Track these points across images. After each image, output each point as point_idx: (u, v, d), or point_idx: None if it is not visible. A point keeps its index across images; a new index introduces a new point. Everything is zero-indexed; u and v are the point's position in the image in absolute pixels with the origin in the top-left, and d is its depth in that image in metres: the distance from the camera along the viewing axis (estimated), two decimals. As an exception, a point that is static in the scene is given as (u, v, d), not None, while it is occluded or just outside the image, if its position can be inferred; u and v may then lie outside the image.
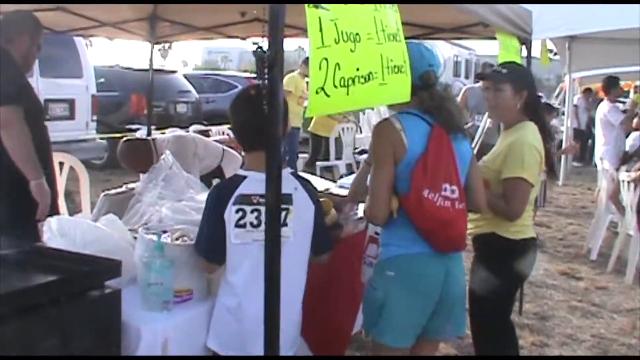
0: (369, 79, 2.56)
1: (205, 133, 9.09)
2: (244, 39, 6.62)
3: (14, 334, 2.26)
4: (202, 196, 3.69)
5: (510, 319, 3.94)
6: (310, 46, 2.20)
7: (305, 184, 3.02)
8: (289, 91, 11.00)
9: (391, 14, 2.75)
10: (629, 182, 7.11)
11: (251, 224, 2.80)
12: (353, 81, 2.44)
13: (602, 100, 11.01)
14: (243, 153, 3.09)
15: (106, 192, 4.79)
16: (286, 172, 2.92)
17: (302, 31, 5.22)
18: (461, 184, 3.02)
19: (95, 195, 5.32)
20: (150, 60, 6.94)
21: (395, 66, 2.78)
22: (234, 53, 40.75)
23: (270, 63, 2.06)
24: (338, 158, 11.69)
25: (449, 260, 3.08)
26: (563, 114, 17.26)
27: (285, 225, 2.81)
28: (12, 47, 4.07)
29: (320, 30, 2.22)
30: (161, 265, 2.77)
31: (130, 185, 4.98)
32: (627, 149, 7.88)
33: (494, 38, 5.55)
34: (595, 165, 13.64)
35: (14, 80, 3.88)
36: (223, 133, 10.00)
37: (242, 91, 3.06)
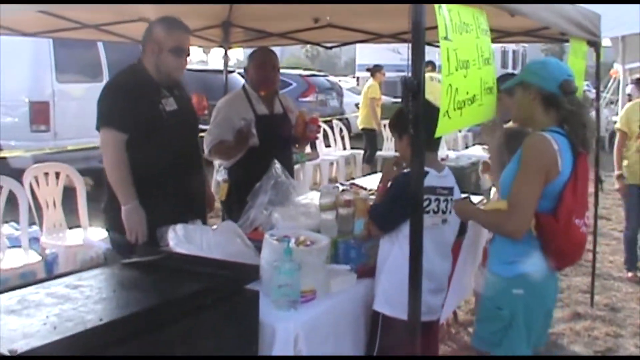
0: (473, 101, 2.83)
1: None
2: (317, 44, 6.86)
3: (180, 334, 2.54)
4: (307, 200, 4.00)
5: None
6: (442, 74, 2.45)
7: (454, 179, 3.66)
8: (373, 97, 12.46)
9: (486, 40, 2.98)
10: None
11: (433, 210, 3.40)
12: (464, 104, 2.72)
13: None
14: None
15: None
16: (448, 170, 3.65)
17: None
18: None
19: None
20: (225, 64, 7.22)
21: (488, 87, 3.03)
22: (276, 48, 40.90)
23: (414, 92, 2.31)
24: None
25: (557, 275, 3.31)
26: (612, 103, 17.21)
27: (451, 212, 3.49)
28: (145, 60, 4.03)
29: (448, 59, 2.47)
30: (290, 268, 3.03)
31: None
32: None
33: (561, 40, 5.75)
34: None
35: (118, 104, 3.89)
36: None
37: None
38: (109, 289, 2.84)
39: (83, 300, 2.65)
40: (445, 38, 2.45)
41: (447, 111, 2.51)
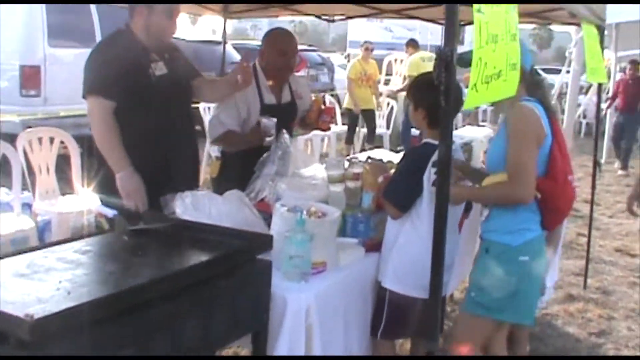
0: (499, 76, 2.78)
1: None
2: (318, 17, 6.78)
3: (193, 303, 2.49)
4: (314, 172, 3.95)
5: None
6: (474, 47, 2.41)
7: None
8: (350, 78, 12.34)
9: (514, 16, 2.92)
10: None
11: None
12: (491, 78, 2.67)
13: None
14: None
15: None
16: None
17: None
18: None
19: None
20: (224, 34, 7.14)
21: (513, 64, 2.98)
22: (263, 22, 40.64)
23: (446, 63, 2.27)
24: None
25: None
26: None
27: None
28: (133, 25, 3.89)
29: (480, 33, 2.43)
30: (302, 239, 2.98)
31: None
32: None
33: (570, 24, 5.73)
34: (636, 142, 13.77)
35: (104, 71, 3.76)
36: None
37: (424, 76, 3.58)
38: (119, 255, 2.79)
39: (94, 266, 2.61)
40: (479, 11, 2.40)
41: (475, 84, 2.46)
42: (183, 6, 6.21)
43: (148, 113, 3.83)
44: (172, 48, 4.13)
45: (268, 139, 4.09)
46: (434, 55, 10.39)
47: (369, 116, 12.49)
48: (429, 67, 11.28)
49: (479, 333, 3.36)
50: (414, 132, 11.53)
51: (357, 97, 12.18)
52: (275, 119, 4.17)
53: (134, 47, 3.87)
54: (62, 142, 6.17)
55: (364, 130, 12.72)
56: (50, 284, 2.33)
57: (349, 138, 12.49)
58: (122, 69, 3.75)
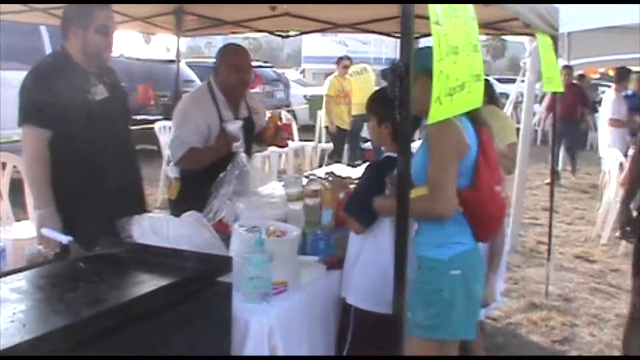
0: (463, 88, 2.76)
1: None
2: (272, 33, 6.77)
3: (154, 330, 2.44)
4: (272, 190, 3.92)
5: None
6: (434, 59, 2.38)
7: None
8: (329, 95, 11.99)
9: (474, 27, 2.92)
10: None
11: None
12: (454, 90, 2.64)
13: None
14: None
15: None
16: None
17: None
18: None
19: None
20: (177, 53, 7.09)
21: (476, 75, 2.96)
22: (218, 39, 40.41)
23: (401, 76, 2.25)
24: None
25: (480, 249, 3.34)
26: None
27: None
28: (69, 46, 3.73)
29: (439, 45, 2.41)
30: (261, 260, 2.94)
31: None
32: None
33: (524, 34, 5.79)
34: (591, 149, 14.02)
35: (39, 98, 3.60)
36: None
37: (382, 91, 3.52)
38: (75, 283, 2.71)
39: (50, 296, 2.53)
40: (437, 23, 2.38)
41: (438, 97, 2.43)
42: (136, 24, 6.26)
43: (88, 139, 3.69)
44: (110, 71, 4.01)
45: (236, 144, 4.05)
46: (366, 66, 10.65)
47: (341, 135, 12.23)
48: (354, 80, 11.53)
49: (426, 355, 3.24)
50: (366, 145, 11.63)
51: (334, 115, 11.93)
52: (240, 122, 4.16)
53: (71, 70, 3.71)
54: (14, 167, 6.04)
55: (329, 145, 12.56)
56: (4, 316, 2.26)
57: (334, 154, 12.26)
58: (59, 95, 3.58)
